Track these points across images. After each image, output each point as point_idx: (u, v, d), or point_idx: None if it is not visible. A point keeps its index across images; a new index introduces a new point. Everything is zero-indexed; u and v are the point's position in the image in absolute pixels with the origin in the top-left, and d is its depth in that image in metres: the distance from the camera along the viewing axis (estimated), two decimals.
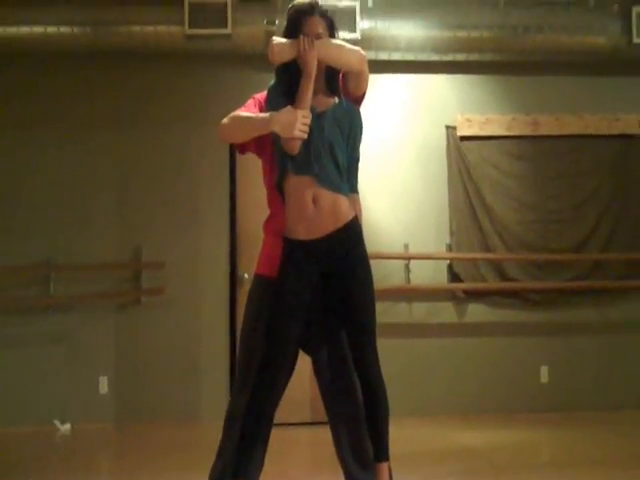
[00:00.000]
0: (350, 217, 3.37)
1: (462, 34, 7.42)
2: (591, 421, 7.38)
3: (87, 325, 7.46)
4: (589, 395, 7.85)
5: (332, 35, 3.46)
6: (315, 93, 3.38)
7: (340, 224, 3.34)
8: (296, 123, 3.26)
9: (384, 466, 3.40)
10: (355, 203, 3.43)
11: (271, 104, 3.42)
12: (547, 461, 5.76)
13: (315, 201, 3.32)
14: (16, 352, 7.32)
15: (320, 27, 3.40)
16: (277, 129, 3.29)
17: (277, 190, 3.45)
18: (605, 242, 8.08)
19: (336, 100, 3.46)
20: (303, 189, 3.33)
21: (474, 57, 7.71)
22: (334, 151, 3.35)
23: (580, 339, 7.95)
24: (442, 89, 8.01)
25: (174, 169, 7.68)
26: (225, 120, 3.50)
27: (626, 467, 5.24)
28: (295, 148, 3.31)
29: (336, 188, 3.34)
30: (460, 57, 7.70)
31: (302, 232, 3.33)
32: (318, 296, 3.38)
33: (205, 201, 7.66)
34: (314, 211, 3.32)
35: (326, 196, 3.32)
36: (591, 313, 7.99)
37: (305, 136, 3.29)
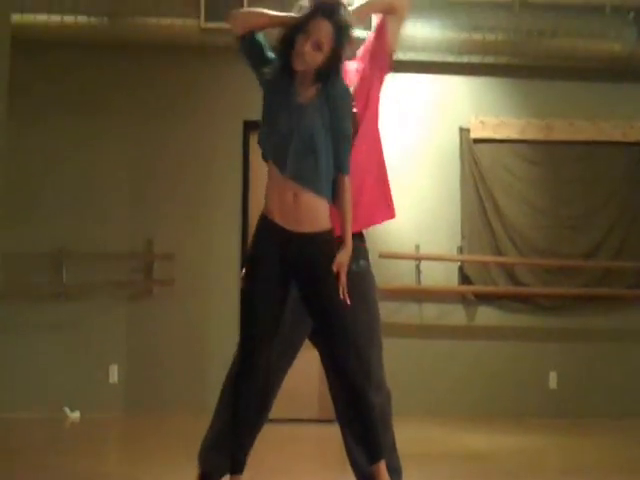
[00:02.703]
0: (327, 227, 3.33)
1: (477, 36, 7.47)
2: (599, 428, 7.34)
3: (98, 314, 7.52)
4: (597, 402, 7.81)
5: (337, 46, 3.29)
6: (302, 85, 3.35)
7: (316, 229, 3.31)
8: None
9: (381, 466, 3.30)
10: (343, 183, 3.36)
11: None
12: (553, 467, 5.70)
13: (295, 198, 3.29)
14: (28, 339, 7.37)
15: (323, 35, 3.25)
16: None
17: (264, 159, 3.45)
18: (617, 250, 8.07)
19: (321, 89, 3.36)
20: (284, 184, 3.31)
21: (489, 59, 7.75)
22: (314, 143, 3.29)
23: (589, 346, 7.93)
24: (456, 90, 8.05)
25: (187, 161, 7.74)
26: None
27: (633, 475, 5.17)
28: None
29: (316, 189, 3.30)
30: (475, 59, 7.74)
31: (278, 217, 3.32)
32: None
33: (217, 193, 7.72)
34: (293, 206, 3.29)
35: (306, 197, 3.29)
36: (601, 320, 7.96)
37: None
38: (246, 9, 3.55)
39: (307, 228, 3.31)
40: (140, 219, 7.66)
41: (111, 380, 7.52)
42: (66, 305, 7.49)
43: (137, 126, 7.74)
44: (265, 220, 3.37)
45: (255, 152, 8.06)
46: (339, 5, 3.31)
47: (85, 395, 7.39)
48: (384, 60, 3.62)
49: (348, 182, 3.37)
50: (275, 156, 3.34)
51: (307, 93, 3.36)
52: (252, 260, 3.37)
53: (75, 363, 7.48)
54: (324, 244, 3.33)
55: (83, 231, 7.57)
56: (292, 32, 3.29)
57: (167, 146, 7.75)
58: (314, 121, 3.31)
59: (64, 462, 5.17)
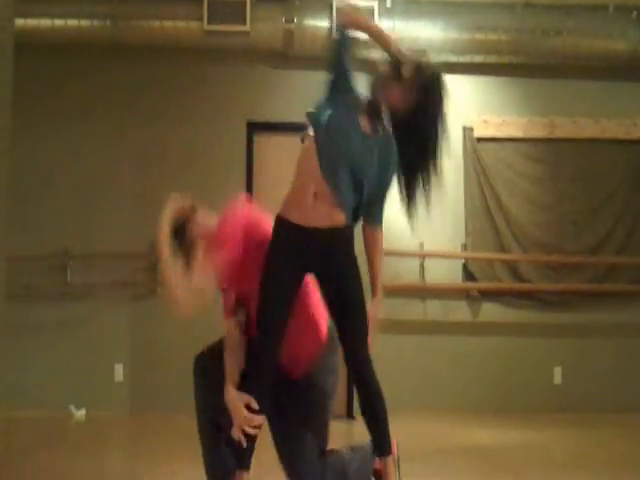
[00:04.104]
0: (345, 224, 3.36)
1: (480, 36, 7.50)
2: (603, 423, 7.35)
3: (103, 314, 7.57)
4: (602, 397, 7.84)
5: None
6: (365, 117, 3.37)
7: (334, 224, 3.34)
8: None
9: (390, 460, 3.40)
10: (378, 234, 3.43)
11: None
12: (558, 461, 5.70)
13: (316, 197, 3.32)
14: (33, 339, 7.42)
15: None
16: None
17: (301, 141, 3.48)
18: (620, 246, 8.09)
19: (380, 131, 3.40)
20: (312, 179, 3.33)
21: (492, 59, 7.78)
22: (358, 180, 3.32)
23: (594, 341, 7.96)
24: (459, 90, 7.97)
25: (191, 162, 7.76)
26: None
27: (637, 470, 5.21)
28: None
29: (340, 204, 3.31)
30: (478, 59, 7.77)
31: (295, 217, 3.35)
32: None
33: (221, 194, 7.59)
34: (312, 205, 3.32)
35: (328, 198, 3.31)
36: (605, 316, 7.99)
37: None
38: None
39: (324, 223, 3.32)
40: (144, 220, 7.60)
41: (116, 379, 7.56)
42: (71, 305, 7.55)
43: (141, 128, 7.77)
44: (281, 221, 3.38)
45: (259, 152, 8.11)
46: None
47: (90, 394, 7.44)
48: None
49: (381, 235, 3.46)
50: (324, 158, 3.31)
51: (366, 125, 3.38)
52: (271, 262, 3.36)
53: (80, 362, 7.53)
54: (341, 235, 3.36)
55: (87, 232, 7.62)
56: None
57: (171, 147, 7.78)
58: (368, 165, 3.33)
59: (70, 460, 5.20)
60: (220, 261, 3.31)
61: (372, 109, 3.37)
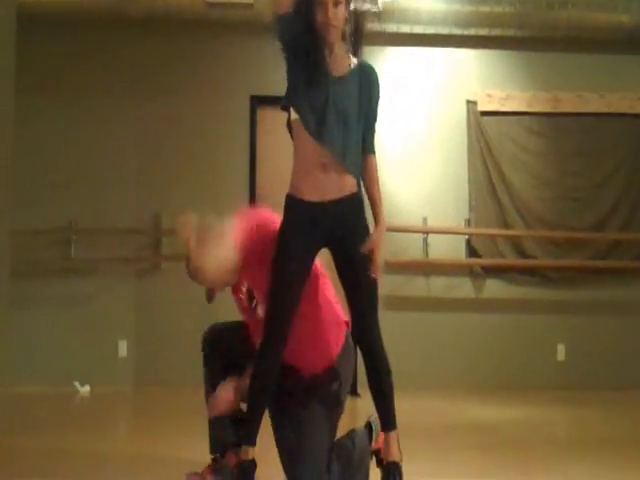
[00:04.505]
0: (355, 190, 3.41)
1: (484, 8, 7.44)
2: (607, 400, 7.36)
3: (107, 289, 7.58)
4: (605, 374, 7.83)
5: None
6: (332, 54, 3.39)
7: (345, 194, 3.38)
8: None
9: (394, 435, 3.44)
10: (372, 162, 3.45)
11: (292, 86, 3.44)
12: (561, 438, 5.72)
13: (324, 169, 3.35)
14: (38, 314, 7.43)
15: None
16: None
17: (287, 128, 3.48)
18: (624, 222, 8.07)
19: (352, 62, 3.46)
20: (314, 154, 3.36)
21: (496, 32, 7.72)
22: (348, 123, 3.36)
23: (598, 318, 7.94)
24: (463, 63, 8.02)
25: (194, 137, 7.75)
26: None
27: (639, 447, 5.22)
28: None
29: (345, 162, 3.36)
30: (482, 32, 7.71)
31: (306, 192, 3.38)
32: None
33: (225, 168, 7.72)
34: (322, 178, 3.35)
35: (335, 167, 3.35)
36: (609, 292, 7.98)
37: None
38: None
39: (335, 195, 3.36)
40: (148, 195, 7.69)
41: (120, 355, 7.58)
42: (75, 281, 7.55)
43: (144, 102, 7.73)
44: (292, 199, 3.41)
45: (262, 126, 8.08)
46: None
47: (95, 370, 7.46)
48: None
49: (375, 162, 3.46)
50: (312, 127, 3.35)
51: (339, 64, 3.42)
52: (283, 241, 3.38)
53: (84, 338, 7.54)
54: (352, 205, 3.39)
55: (91, 207, 7.61)
56: (306, 4, 3.33)
57: (174, 121, 7.75)
58: (349, 103, 3.37)
59: (75, 436, 5.21)
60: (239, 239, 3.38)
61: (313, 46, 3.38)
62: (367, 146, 3.45)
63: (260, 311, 3.53)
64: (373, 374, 3.41)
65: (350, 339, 3.60)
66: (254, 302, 3.60)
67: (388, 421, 3.44)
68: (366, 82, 3.44)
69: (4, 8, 5.43)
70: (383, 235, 3.36)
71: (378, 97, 3.48)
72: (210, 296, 3.65)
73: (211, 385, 3.71)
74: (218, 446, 3.73)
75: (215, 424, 3.66)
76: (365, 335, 3.41)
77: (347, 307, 3.47)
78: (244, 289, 3.62)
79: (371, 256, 3.32)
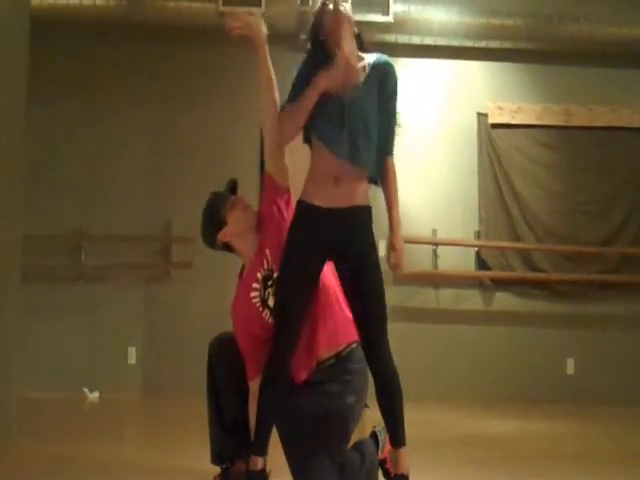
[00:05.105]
0: (365, 203, 3.41)
1: (495, 21, 7.45)
2: (616, 415, 7.31)
3: (117, 296, 7.60)
4: (614, 389, 7.77)
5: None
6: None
7: (355, 203, 3.38)
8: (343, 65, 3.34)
9: (404, 451, 3.43)
10: (390, 164, 3.45)
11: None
12: (569, 453, 5.67)
13: (337, 181, 3.34)
14: (47, 320, 7.44)
15: (338, 19, 3.42)
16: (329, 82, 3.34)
17: (306, 142, 3.49)
18: (634, 236, 8.06)
19: (366, 63, 3.43)
20: (329, 166, 3.34)
21: (507, 44, 7.73)
22: (369, 128, 3.35)
23: (608, 332, 7.90)
24: (474, 75, 8.03)
25: (205, 143, 7.78)
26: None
27: None
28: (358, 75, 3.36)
29: (365, 167, 3.35)
30: (493, 44, 7.72)
31: (316, 199, 3.38)
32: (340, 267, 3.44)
33: (235, 175, 7.66)
34: (333, 189, 3.35)
35: (349, 179, 3.34)
36: (620, 307, 7.94)
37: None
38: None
39: (344, 203, 3.36)
40: (158, 202, 7.71)
41: (130, 361, 7.60)
42: (85, 287, 7.58)
43: (154, 108, 7.77)
44: (302, 203, 3.42)
45: None
46: None
47: (104, 376, 7.46)
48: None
49: (393, 164, 3.46)
50: (328, 143, 3.34)
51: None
52: (291, 248, 3.40)
53: (94, 344, 7.56)
54: (359, 215, 3.39)
55: (102, 214, 7.64)
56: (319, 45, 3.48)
57: (184, 128, 7.78)
58: (369, 106, 3.37)
59: (83, 443, 5.22)
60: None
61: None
62: (387, 147, 3.44)
63: (271, 301, 3.52)
64: (381, 387, 3.39)
65: (362, 353, 3.52)
66: (267, 292, 3.56)
67: (398, 438, 3.42)
68: (383, 80, 3.42)
69: (18, 15, 5.47)
70: (400, 238, 3.39)
71: (396, 94, 3.46)
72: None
73: (213, 392, 3.72)
74: (216, 457, 3.75)
75: (214, 435, 3.72)
76: (372, 346, 3.38)
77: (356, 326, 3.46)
78: (259, 276, 3.59)
79: (395, 262, 3.37)
